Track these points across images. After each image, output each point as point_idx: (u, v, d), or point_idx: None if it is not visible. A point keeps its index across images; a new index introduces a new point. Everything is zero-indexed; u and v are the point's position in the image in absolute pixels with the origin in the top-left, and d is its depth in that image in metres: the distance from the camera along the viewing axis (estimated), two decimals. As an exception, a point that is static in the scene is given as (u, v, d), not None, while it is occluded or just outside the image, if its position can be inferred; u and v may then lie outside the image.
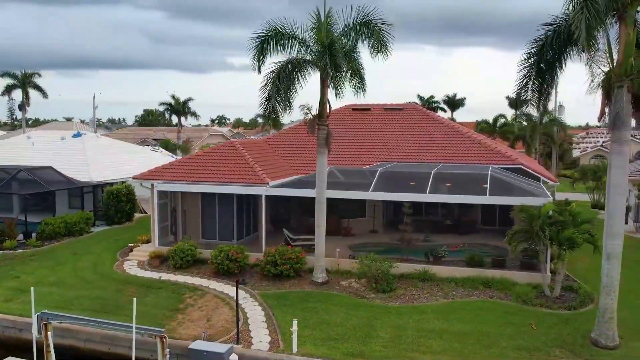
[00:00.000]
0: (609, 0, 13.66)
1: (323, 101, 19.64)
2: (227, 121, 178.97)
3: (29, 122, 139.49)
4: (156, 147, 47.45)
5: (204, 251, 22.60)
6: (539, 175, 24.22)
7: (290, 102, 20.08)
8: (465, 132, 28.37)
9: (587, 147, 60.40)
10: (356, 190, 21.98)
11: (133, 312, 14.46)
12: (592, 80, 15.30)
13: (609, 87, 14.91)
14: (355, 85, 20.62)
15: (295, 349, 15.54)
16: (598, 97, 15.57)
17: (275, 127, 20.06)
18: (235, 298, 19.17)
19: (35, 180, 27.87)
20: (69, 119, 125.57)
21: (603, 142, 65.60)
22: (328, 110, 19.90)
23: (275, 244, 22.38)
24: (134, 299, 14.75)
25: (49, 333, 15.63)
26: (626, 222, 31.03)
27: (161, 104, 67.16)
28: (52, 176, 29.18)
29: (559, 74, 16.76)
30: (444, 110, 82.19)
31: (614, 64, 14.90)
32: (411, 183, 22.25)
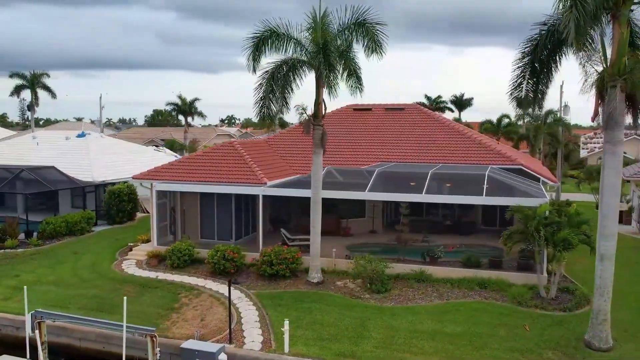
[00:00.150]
0: (601, -1, 13.56)
1: (318, 101, 19.64)
2: (237, 121, 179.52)
3: (41, 122, 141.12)
4: (160, 147, 47.69)
5: (201, 251, 22.69)
6: (539, 176, 24.03)
7: (287, 102, 20.09)
8: (466, 132, 28.24)
9: (595, 147, 59.89)
10: (352, 190, 21.95)
11: (123, 311, 14.59)
12: (586, 80, 15.16)
13: (602, 87, 14.79)
14: (352, 86, 20.59)
15: (286, 348, 15.55)
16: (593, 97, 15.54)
17: (271, 127, 19.95)
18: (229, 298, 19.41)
19: (37, 180, 28.12)
20: (79, 119, 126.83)
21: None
22: (323, 111, 19.90)
23: (274, 244, 22.41)
24: (124, 298, 14.84)
25: (43, 331, 15.87)
26: (629, 223, 30.90)
27: (168, 104, 67.47)
28: (55, 176, 29.43)
29: (554, 73, 16.62)
30: (452, 111, 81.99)
31: (608, 64, 14.79)
32: (410, 183, 22.17)
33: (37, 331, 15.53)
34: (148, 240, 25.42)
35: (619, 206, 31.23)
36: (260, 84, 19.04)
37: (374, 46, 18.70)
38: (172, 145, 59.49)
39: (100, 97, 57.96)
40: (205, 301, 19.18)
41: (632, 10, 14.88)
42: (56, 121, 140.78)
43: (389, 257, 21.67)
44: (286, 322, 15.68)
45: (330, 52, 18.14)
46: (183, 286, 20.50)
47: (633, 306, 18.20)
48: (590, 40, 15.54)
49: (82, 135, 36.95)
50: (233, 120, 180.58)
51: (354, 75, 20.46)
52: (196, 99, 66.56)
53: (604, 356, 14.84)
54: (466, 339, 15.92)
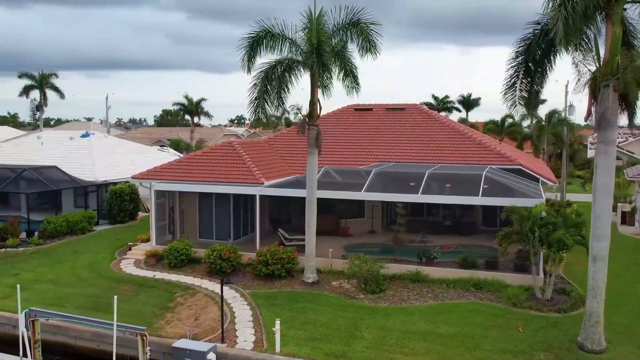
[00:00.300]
0: (593, -3, 13.42)
1: (313, 101, 19.64)
2: (246, 121, 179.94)
3: (52, 122, 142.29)
4: (164, 148, 47.91)
5: (198, 250, 22.77)
6: (538, 176, 23.86)
7: (283, 102, 20.11)
8: (466, 132, 28.11)
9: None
10: (349, 190, 21.93)
11: (114, 310, 14.68)
12: (579, 80, 15.03)
13: (595, 87, 14.67)
14: (348, 86, 20.59)
15: (278, 348, 15.56)
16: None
17: (277, 127, 20.00)
18: (225, 297, 19.43)
19: (39, 180, 28.37)
20: (89, 119, 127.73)
21: (619, 142, 64.43)
22: (318, 110, 19.88)
23: (273, 243, 22.44)
24: (115, 297, 14.92)
25: (36, 330, 16.01)
26: (633, 224, 30.60)
27: (174, 104, 67.74)
28: (57, 175, 29.67)
29: (548, 73, 16.52)
30: (459, 111, 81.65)
31: (601, 63, 14.66)
32: (407, 184, 22.10)
33: (33, 329, 15.73)
34: (148, 240, 25.55)
35: (623, 207, 31.10)
36: (254, 84, 19.08)
37: (368, 46, 18.68)
38: (177, 145, 59.78)
39: (107, 98, 58.16)
40: (200, 301, 19.24)
41: (625, 9, 14.77)
42: (67, 121, 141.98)
43: (386, 257, 21.66)
44: (277, 322, 15.69)
45: (324, 51, 18.13)
46: (179, 285, 20.58)
47: (630, 308, 18.02)
48: (586, 40, 15.48)
49: (86, 135, 37.21)
50: (242, 120, 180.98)
51: (350, 75, 20.45)
52: (202, 99, 66.76)
53: (596, 358, 14.71)
54: (458, 340, 15.84)
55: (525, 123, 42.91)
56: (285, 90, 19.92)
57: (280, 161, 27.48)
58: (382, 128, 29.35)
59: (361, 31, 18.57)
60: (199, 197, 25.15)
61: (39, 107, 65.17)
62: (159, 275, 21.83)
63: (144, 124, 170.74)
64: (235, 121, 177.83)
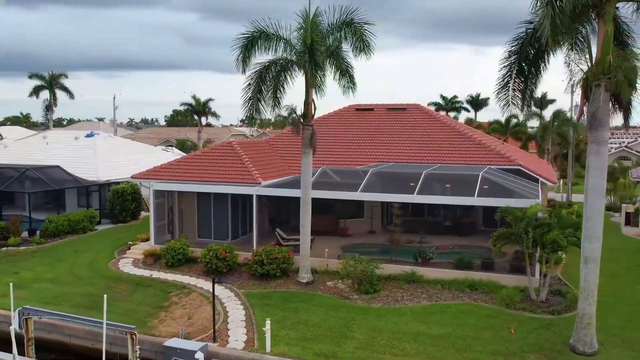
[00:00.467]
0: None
1: (308, 101, 19.65)
2: (256, 121, 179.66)
3: (64, 122, 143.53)
4: (169, 148, 48.15)
5: (196, 250, 22.85)
6: (537, 176, 23.67)
7: (279, 102, 20.12)
8: (466, 132, 27.97)
9: (612, 148, 58.71)
10: (344, 190, 21.89)
11: (104, 309, 14.79)
12: (571, 79, 14.89)
13: (587, 86, 14.52)
14: (344, 85, 20.57)
15: (268, 348, 15.58)
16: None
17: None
18: (219, 297, 19.53)
19: (41, 179, 28.64)
20: (100, 119, 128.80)
21: (628, 142, 63.79)
22: (313, 111, 19.88)
23: (270, 243, 22.47)
24: (104, 296, 15.07)
25: (30, 328, 16.19)
26: (637, 225, 30.26)
27: (182, 104, 68.07)
28: (59, 175, 29.94)
29: (542, 72, 16.39)
30: (467, 111, 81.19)
31: (593, 62, 14.52)
32: (403, 184, 22.04)
33: (26, 327, 15.91)
34: (147, 239, 25.67)
35: (627, 208, 30.78)
36: (248, 84, 19.11)
37: (362, 46, 18.66)
38: (183, 145, 60.03)
39: (114, 98, 58.72)
40: (195, 300, 19.32)
41: (617, 8, 14.61)
42: (79, 121, 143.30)
43: (384, 257, 21.61)
44: (268, 322, 15.72)
45: (317, 51, 18.11)
46: (175, 285, 20.68)
47: (626, 310, 17.83)
48: (581, 39, 15.34)
49: (90, 135, 37.53)
50: (253, 120, 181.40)
51: (346, 74, 20.45)
52: (210, 99, 66.99)
53: (588, 360, 14.58)
54: (449, 341, 15.76)
55: (531, 123, 42.57)
56: (281, 90, 19.92)
57: (280, 161, 27.51)
58: (383, 128, 29.28)
59: (355, 31, 18.53)
60: (197, 196, 25.26)
61: (49, 107, 65.83)
62: (156, 274, 21.95)
63: (156, 124, 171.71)
64: (246, 121, 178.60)
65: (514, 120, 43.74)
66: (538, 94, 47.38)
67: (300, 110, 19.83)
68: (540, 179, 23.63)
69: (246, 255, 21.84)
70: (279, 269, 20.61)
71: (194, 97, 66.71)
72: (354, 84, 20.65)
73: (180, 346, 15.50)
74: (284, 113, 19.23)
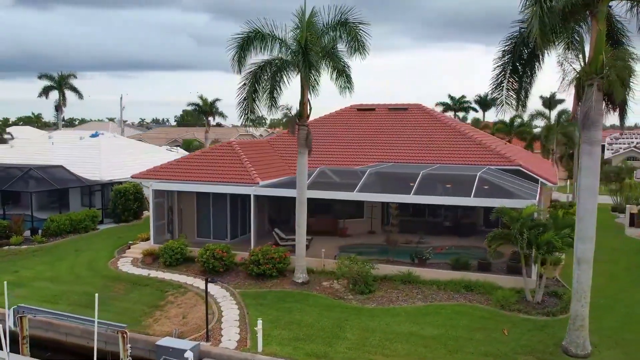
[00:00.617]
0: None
1: (303, 101, 19.65)
2: (266, 121, 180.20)
3: (76, 122, 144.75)
4: (174, 148, 48.38)
5: (194, 249, 22.93)
6: (537, 177, 23.49)
7: (276, 102, 20.14)
8: (467, 132, 27.82)
9: (620, 148, 58.17)
10: (341, 190, 21.86)
11: (95, 308, 14.90)
12: (564, 79, 14.75)
13: (579, 86, 14.39)
14: (341, 85, 20.55)
15: (260, 348, 15.60)
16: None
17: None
18: (215, 296, 19.63)
19: (44, 179, 28.90)
20: (111, 119, 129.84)
21: (637, 142, 63.06)
22: (308, 111, 19.87)
23: (267, 243, 22.49)
24: (96, 295, 15.14)
25: (24, 326, 16.34)
26: None
27: (189, 104, 68.37)
28: (62, 175, 30.20)
29: (537, 72, 16.25)
30: (476, 111, 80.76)
31: (586, 61, 14.38)
32: (403, 184, 21.97)
33: (21, 325, 16.07)
34: (148, 239, 25.79)
35: (632, 209, 30.44)
36: (243, 84, 19.14)
37: (357, 45, 18.63)
38: (189, 145, 60.28)
39: (121, 98, 59.15)
40: (191, 299, 19.38)
41: (610, 7, 14.46)
42: (90, 121, 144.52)
43: (382, 258, 21.57)
44: (259, 322, 15.73)
45: (311, 50, 18.09)
46: (171, 284, 20.78)
47: (623, 312, 17.64)
48: (577, 39, 15.20)
49: (95, 135, 37.82)
50: (263, 120, 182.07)
51: (343, 74, 20.41)
52: (217, 99, 67.17)
53: (580, 363, 14.43)
54: (441, 342, 15.68)
55: (536, 122, 42.23)
56: (278, 90, 19.94)
57: (280, 161, 27.53)
58: (384, 128, 29.22)
59: (349, 31, 18.50)
60: (196, 196, 25.35)
61: (58, 107, 66.45)
62: (154, 273, 22.06)
63: (167, 124, 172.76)
64: (257, 121, 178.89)
65: (519, 120, 43.45)
66: (546, 93, 47.32)
67: (295, 110, 19.81)
68: (540, 179, 23.45)
69: (243, 255, 21.88)
70: (275, 268, 20.63)
71: (200, 97, 66.90)
72: (351, 84, 20.62)
73: (173, 345, 15.55)
74: (280, 113, 19.21)
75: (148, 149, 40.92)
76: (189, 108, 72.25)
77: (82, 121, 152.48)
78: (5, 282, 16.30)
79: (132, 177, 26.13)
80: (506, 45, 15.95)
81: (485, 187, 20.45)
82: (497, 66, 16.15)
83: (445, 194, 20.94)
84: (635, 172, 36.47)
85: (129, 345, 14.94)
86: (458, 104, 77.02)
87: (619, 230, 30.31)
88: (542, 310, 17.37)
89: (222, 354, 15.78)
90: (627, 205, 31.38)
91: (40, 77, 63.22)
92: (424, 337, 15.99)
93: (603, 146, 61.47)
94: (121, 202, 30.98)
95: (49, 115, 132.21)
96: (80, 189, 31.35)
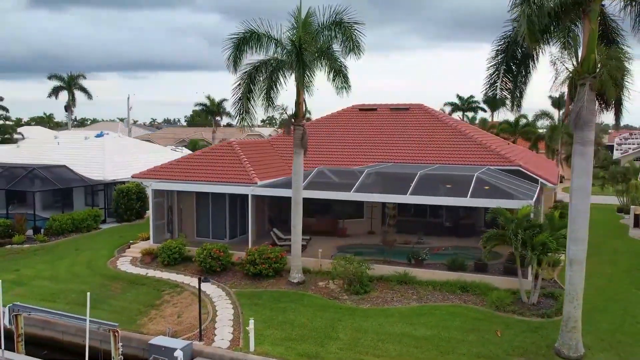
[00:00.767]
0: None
1: (299, 101, 19.65)
2: (277, 121, 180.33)
3: (88, 122, 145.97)
4: (178, 148, 48.61)
5: (192, 249, 23.02)
6: (537, 177, 23.31)
7: (272, 102, 20.15)
8: (467, 132, 27.68)
9: (629, 148, 57.52)
10: (338, 190, 21.83)
11: (87, 306, 15.01)
12: (556, 78, 14.62)
13: (572, 85, 14.27)
14: (338, 86, 20.51)
15: (252, 347, 15.63)
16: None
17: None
18: (210, 296, 19.71)
19: (46, 178, 29.17)
20: (122, 119, 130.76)
21: (647, 143, 62.32)
22: (304, 111, 19.87)
23: (265, 243, 22.53)
24: (88, 293, 15.25)
25: (19, 324, 16.50)
26: (644, 227, 29.57)
27: (197, 104, 68.81)
28: (65, 174, 30.47)
29: (531, 71, 16.14)
30: (484, 111, 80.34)
31: (578, 61, 14.24)
32: (400, 184, 21.88)
33: (16, 323, 16.24)
34: (148, 238, 25.93)
35: (636, 210, 30.08)
36: (238, 84, 19.18)
37: (351, 45, 18.60)
38: (194, 145, 60.57)
39: (128, 98, 59.49)
40: (186, 299, 19.46)
41: (603, 6, 14.32)
42: (102, 121, 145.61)
43: (378, 258, 21.51)
44: (251, 322, 15.77)
45: (305, 50, 18.09)
46: (168, 283, 20.87)
47: (619, 313, 17.46)
48: (572, 38, 15.06)
49: (100, 135, 38.11)
50: (274, 120, 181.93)
51: (340, 74, 20.37)
52: (224, 100, 67.58)
53: (572, 365, 14.29)
54: (433, 343, 15.61)
55: (542, 122, 41.88)
56: (275, 90, 19.96)
57: (280, 161, 27.56)
58: (385, 128, 29.16)
59: (344, 31, 18.47)
60: (196, 196, 25.45)
61: (68, 107, 67.08)
62: (152, 273, 22.16)
63: (178, 124, 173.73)
64: (267, 121, 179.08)
65: (524, 121, 43.13)
66: (556, 93, 46.96)
67: (291, 110, 19.83)
68: (540, 179, 23.27)
69: (240, 255, 21.93)
70: (272, 268, 20.65)
71: (208, 97, 67.44)
72: (348, 84, 20.57)
73: (165, 344, 15.63)
74: (277, 113, 19.22)
75: (152, 148, 41.16)
76: (197, 108, 72.56)
77: (94, 121, 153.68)
78: (0, 281, 16.44)
79: (132, 176, 26.30)
80: (499, 45, 15.86)
81: (483, 187, 20.32)
82: (491, 66, 16.10)
83: (442, 194, 20.84)
84: (640, 173, 36.04)
85: (120, 344, 15.02)
86: (466, 104, 76.67)
87: (623, 231, 30.00)
88: (537, 312, 17.24)
89: (214, 353, 15.83)
90: (631, 207, 31.02)
91: (49, 78, 63.90)
92: (416, 338, 15.93)
93: (612, 146, 60.84)
94: (124, 201, 31.19)
95: (60, 116, 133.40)
96: (84, 188, 31.60)
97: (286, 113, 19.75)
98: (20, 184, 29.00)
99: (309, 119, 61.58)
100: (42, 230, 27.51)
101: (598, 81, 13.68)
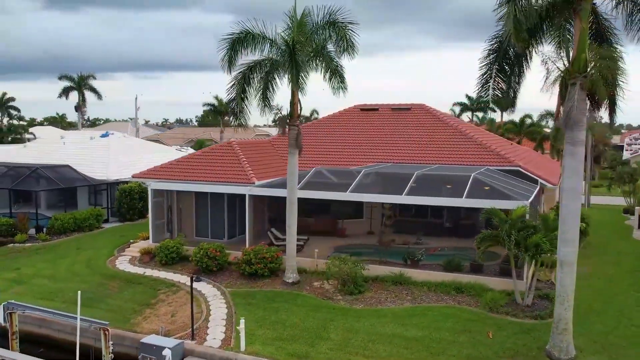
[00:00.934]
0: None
1: (294, 101, 19.66)
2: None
3: (100, 122, 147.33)
4: (183, 148, 48.84)
5: (190, 249, 23.11)
6: (537, 177, 23.12)
7: (269, 103, 20.20)
8: (468, 132, 27.51)
9: (639, 149, 56.83)
10: (334, 190, 21.79)
11: (77, 304, 15.14)
12: (547, 78, 14.46)
13: (563, 85, 14.12)
14: (334, 86, 20.50)
15: (243, 347, 15.66)
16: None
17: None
18: (205, 295, 19.80)
19: (50, 178, 29.45)
20: (132, 119, 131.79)
21: (657, 143, 61.56)
22: (299, 111, 19.87)
23: (261, 243, 22.57)
24: (79, 292, 15.37)
25: (14, 322, 16.69)
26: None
27: (205, 104, 69.08)
28: (69, 174, 30.74)
29: (525, 71, 16.00)
30: (494, 110, 79.69)
31: (570, 60, 14.10)
32: (397, 184, 21.79)
33: (10, 321, 16.43)
34: (148, 238, 26.09)
35: (638, 211, 29.73)
36: (233, 84, 19.23)
37: (345, 45, 18.57)
38: (201, 145, 60.80)
39: (136, 99, 59.97)
40: (182, 298, 19.54)
41: (594, 4, 14.16)
42: (115, 121, 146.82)
43: (375, 258, 21.44)
44: (242, 321, 15.83)
45: (299, 50, 18.09)
46: (165, 283, 20.98)
47: (613, 315, 17.26)
48: (569, 37, 14.93)
49: (105, 135, 38.41)
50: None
51: (336, 75, 20.36)
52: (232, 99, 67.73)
53: (562, 367, 14.15)
54: (424, 344, 15.54)
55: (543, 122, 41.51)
56: (271, 90, 20.00)
57: (280, 161, 27.55)
58: (386, 128, 29.08)
59: (338, 31, 18.45)
60: (195, 196, 25.56)
61: (78, 107, 67.72)
62: (149, 272, 22.29)
63: (190, 124, 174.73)
64: (277, 121, 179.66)
65: (529, 121, 42.79)
66: (547, 93, 46.54)
67: (286, 110, 19.84)
68: (540, 180, 23.07)
69: (237, 255, 21.98)
70: (267, 268, 20.68)
71: (215, 98, 67.60)
72: (344, 84, 20.55)
73: (156, 343, 15.71)
74: (272, 114, 19.27)
75: (158, 148, 41.42)
76: (205, 108, 72.88)
77: (106, 121, 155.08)
78: (-5, 279, 16.65)
79: (132, 176, 26.46)
80: (491, 44, 15.72)
81: (479, 187, 20.17)
82: (483, 65, 15.94)
83: (438, 194, 20.72)
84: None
85: (111, 343, 15.13)
86: (476, 104, 76.16)
87: (627, 232, 29.67)
88: (530, 313, 17.09)
89: (206, 352, 15.88)
90: (636, 207, 30.66)
91: (60, 78, 64.53)
92: (407, 339, 15.87)
93: (622, 146, 60.16)
94: (126, 201, 31.40)
95: (72, 116, 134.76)
96: (87, 188, 31.85)
97: (281, 113, 19.76)
98: (24, 183, 29.32)
99: (316, 119, 61.47)
100: (44, 229, 27.77)
101: (589, 81, 13.54)
